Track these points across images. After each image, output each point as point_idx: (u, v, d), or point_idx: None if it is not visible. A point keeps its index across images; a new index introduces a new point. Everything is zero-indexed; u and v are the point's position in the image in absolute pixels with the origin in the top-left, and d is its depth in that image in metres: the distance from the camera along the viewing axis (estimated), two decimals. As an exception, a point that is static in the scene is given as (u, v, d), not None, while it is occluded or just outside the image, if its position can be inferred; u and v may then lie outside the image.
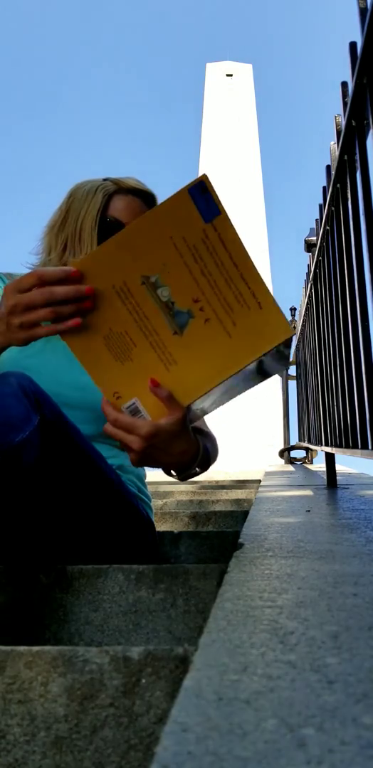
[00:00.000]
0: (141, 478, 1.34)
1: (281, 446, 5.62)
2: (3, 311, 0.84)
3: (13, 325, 0.84)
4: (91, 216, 1.24)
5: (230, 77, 19.15)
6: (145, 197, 1.29)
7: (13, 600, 0.93)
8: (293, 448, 5.33)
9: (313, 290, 2.74)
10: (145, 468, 1.29)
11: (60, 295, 0.79)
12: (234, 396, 0.91)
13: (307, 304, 3.22)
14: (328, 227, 2.01)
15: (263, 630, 0.50)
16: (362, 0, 1.26)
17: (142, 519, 1.25)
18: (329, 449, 2.18)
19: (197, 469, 1.00)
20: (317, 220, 2.35)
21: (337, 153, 1.68)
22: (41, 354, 1.19)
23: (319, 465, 4.73)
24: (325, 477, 2.44)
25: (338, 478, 2.24)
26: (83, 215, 1.25)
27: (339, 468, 3.17)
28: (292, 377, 4.92)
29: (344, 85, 1.58)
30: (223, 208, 0.82)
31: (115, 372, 0.84)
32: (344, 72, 1.50)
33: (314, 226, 2.49)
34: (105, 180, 1.30)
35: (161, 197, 1.03)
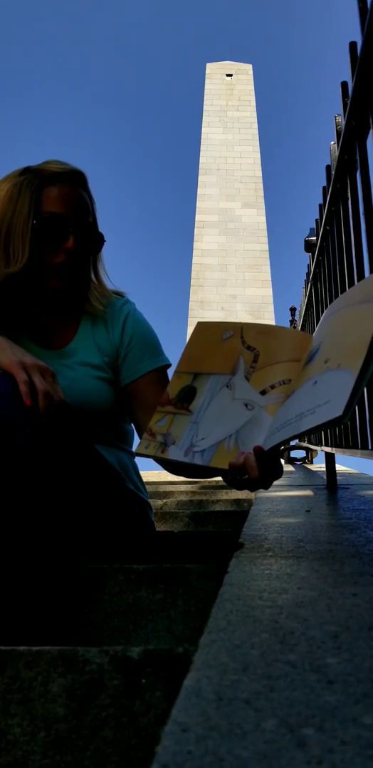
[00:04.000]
0: (139, 477, 1.34)
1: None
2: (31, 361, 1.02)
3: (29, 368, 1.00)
4: (22, 217, 1.17)
5: (230, 77, 19.14)
6: (73, 178, 1.23)
7: (16, 597, 0.93)
8: (293, 448, 5.33)
9: (313, 290, 2.74)
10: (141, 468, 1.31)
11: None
12: None
13: (307, 304, 3.22)
14: (328, 227, 2.01)
15: (263, 630, 0.50)
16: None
17: (142, 516, 1.25)
18: (329, 449, 2.19)
19: None
20: (317, 220, 2.35)
21: (337, 153, 1.68)
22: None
23: (319, 465, 4.73)
24: (325, 477, 2.44)
25: (338, 478, 2.24)
26: (10, 217, 1.18)
27: (339, 468, 3.17)
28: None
29: (344, 85, 1.58)
30: None
31: None
32: (344, 72, 1.50)
33: (314, 226, 2.49)
34: (24, 174, 1.22)
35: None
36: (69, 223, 1.20)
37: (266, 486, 0.92)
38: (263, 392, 0.98)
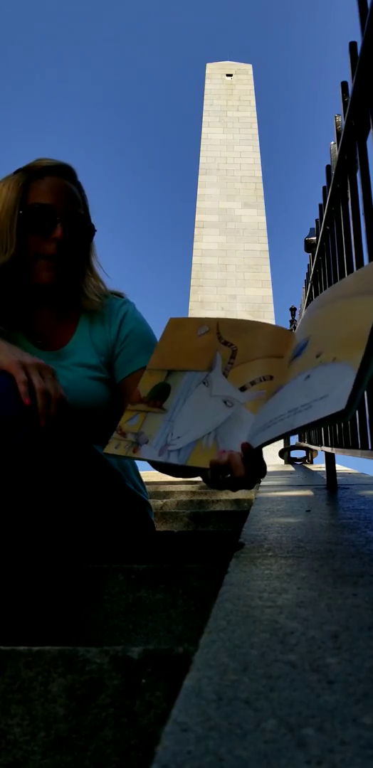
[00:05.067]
0: (139, 477, 1.34)
1: (281, 446, 5.62)
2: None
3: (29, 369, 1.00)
4: (9, 211, 1.20)
5: (230, 77, 19.14)
6: (62, 171, 1.26)
7: (15, 596, 0.93)
8: (293, 448, 5.33)
9: (313, 290, 2.74)
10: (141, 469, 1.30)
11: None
12: None
13: (307, 304, 3.22)
14: (328, 227, 2.01)
15: (263, 630, 0.50)
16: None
17: (142, 516, 1.25)
18: (329, 449, 2.19)
19: None
20: (317, 220, 2.35)
21: (337, 153, 1.68)
22: None
23: (319, 465, 4.73)
24: (325, 477, 2.44)
25: (338, 478, 2.24)
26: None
27: (339, 468, 3.17)
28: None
29: (344, 85, 1.58)
30: None
31: None
32: (344, 72, 1.50)
33: (314, 226, 2.49)
34: (15, 173, 1.26)
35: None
36: (56, 212, 1.21)
37: (250, 486, 0.89)
38: (243, 389, 0.96)
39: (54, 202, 1.22)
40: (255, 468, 0.89)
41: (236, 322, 1.07)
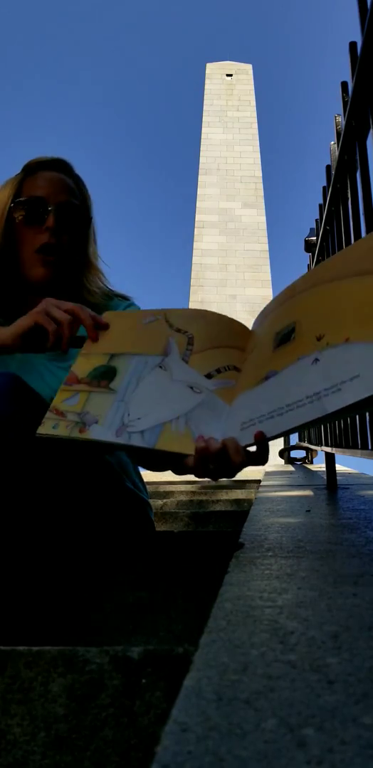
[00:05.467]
0: (139, 477, 1.34)
1: (281, 446, 5.62)
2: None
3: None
4: (2, 206, 1.23)
5: (230, 77, 19.13)
6: (56, 165, 1.28)
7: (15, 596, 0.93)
8: (293, 448, 5.33)
9: (313, 290, 2.73)
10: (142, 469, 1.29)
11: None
12: None
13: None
14: (328, 227, 2.01)
15: (263, 630, 0.50)
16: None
17: (142, 516, 1.25)
18: (329, 449, 2.19)
19: None
20: (317, 220, 2.35)
21: (337, 153, 1.68)
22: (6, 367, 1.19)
23: (319, 465, 4.73)
24: (325, 477, 2.44)
25: (338, 478, 2.24)
26: None
27: (339, 468, 3.17)
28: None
29: (344, 85, 1.58)
30: None
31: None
32: (344, 72, 1.50)
33: (314, 226, 2.49)
34: (17, 174, 1.29)
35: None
36: (48, 203, 1.22)
37: (232, 474, 0.87)
38: (209, 376, 0.94)
39: (46, 194, 1.23)
40: (260, 455, 0.86)
41: (183, 311, 1.05)
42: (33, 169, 1.26)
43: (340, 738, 0.32)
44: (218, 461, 0.86)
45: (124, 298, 1.36)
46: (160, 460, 1.05)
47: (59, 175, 1.26)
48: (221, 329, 0.99)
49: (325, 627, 0.50)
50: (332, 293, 0.84)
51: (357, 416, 1.51)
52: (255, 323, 1.00)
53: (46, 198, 1.23)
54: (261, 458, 0.86)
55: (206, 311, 1.06)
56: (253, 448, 0.86)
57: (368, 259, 0.81)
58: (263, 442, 0.84)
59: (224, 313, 1.04)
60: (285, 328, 0.88)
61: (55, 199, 1.23)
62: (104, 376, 0.97)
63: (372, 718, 0.34)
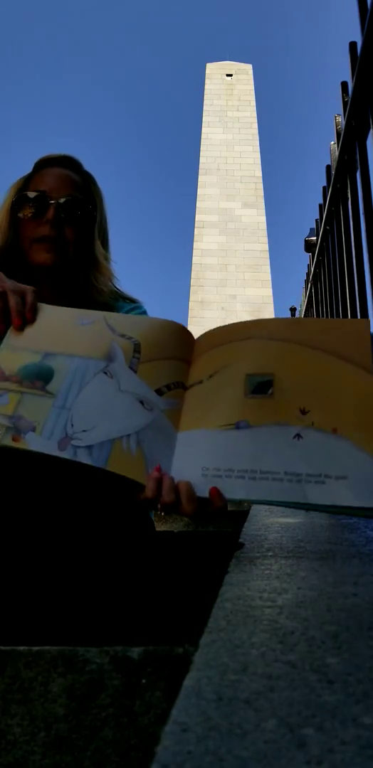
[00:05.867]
0: None
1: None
2: None
3: None
4: (7, 205, 1.24)
5: (230, 77, 19.14)
6: (63, 162, 1.29)
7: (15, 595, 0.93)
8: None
9: (313, 290, 2.74)
10: None
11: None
12: None
13: (307, 304, 3.22)
14: (328, 227, 2.01)
15: (263, 630, 0.50)
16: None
17: (142, 516, 1.24)
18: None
19: None
20: (317, 220, 2.35)
21: (337, 153, 1.69)
22: None
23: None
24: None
25: (338, 478, 2.23)
26: (1, 204, 1.26)
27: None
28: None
29: (344, 85, 1.58)
30: None
31: None
32: (344, 72, 1.50)
33: (314, 226, 2.49)
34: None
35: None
36: (50, 197, 1.23)
37: (195, 519, 0.80)
38: (159, 392, 0.85)
39: (48, 188, 1.24)
40: (217, 513, 0.77)
41: (126, 317, 0.98)
42: (41, 165, 1.28)
43: (340, 738, 0.32)
44: (168, 504, 0.77)
45: (131, 300, 1.35)
46: (106, 486, 0.95)
47: (65, 171, 1.27)
48: (168, 337, 0.90)
49: (325, 627, 0.50)
50: (314, 364, 0.79)
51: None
52: (208, 337, 0.90)
53: (48, 192, 1.23)
54: (219, 515, 0.77)
55: (150, 317, 0.98)
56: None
57: (351, 346, 0.77)
58: (222, 500, 0.76)
59: (174, 320, 0.95)
60: (261, 375, 0.80)
61: (58, 193, 1.24)
62: (39, 376, 0.86)
63: (372, 718, 0.34)
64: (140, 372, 0.86)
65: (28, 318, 0.94)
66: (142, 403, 0.83)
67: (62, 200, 1.23)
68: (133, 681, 0.57)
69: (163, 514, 0.79)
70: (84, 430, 0.81)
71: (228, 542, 1.18)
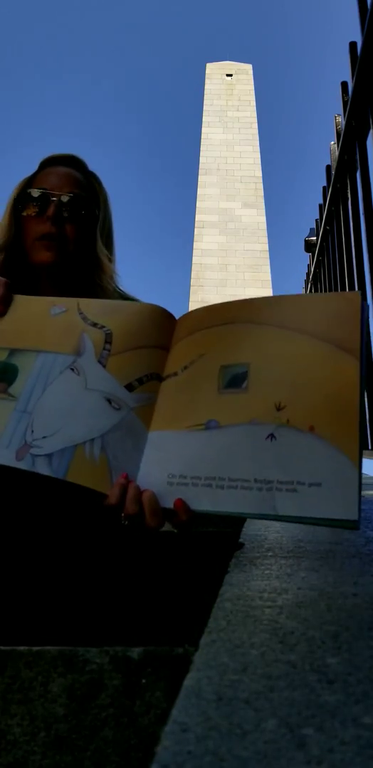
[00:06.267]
0: None
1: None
2: None
3: None
4: (11, 200, 1.25)
5: (230, 77, 19.14)
6: (67, 161, 1.29)
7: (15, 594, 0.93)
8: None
9: (313, 290, 2.74)
10: None
11: None
12: None
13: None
14: (328, 227, 2.01)
15: (263, 630, 0.50)
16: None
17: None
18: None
19: None
20: (317, 220, 2.35)
21: (337, 153, 1.69)
22: None
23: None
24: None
25: (338, 478, 2.23)
26: (6, 204, 1.26)
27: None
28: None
29: (344, 85, 1.58)
30: None
31: None
32: (344, 72, 1.50)
33: (314, 226, 2.49)
34: None
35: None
36: (52, 194, 1.23)
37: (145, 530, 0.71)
38: (130, 387, 0.77)
39: (51, 186, 1.24)
40: (185, 525, 0.70)
41: (101, 302, 0.89)
42: (45, 164, 1.29)
43: (340, 738, 0.32)
44: (130, 515, 0.71)
45: (133, 300, 1.35)
46: (68, 497, 0.89)
47: (68, 170, 1.28)
48: (143, 323, 0.82)
49: (325, 627, 0.50)
50: (293, 349, 0.70)
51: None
52: (188, 319, 0.83)
53: (50, 190, 1.24)
54: (186, 528, 0.71)
55: (126, 303, 0.91)
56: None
57: (336, 326, 0.68)
58: (188, 514, 0.69)
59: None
60: (236, 365, 0.73)
61: (60, 191, 1.24)
62: (2, 377, 0.80)
63: (372, 718, 0.34)
64: (110, 365, 0.79)
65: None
66: (109, 401, 0.76)
67: (64, 198, 1.23)
68: (133, 681, 0.57)
69: (127, 523, 0.71)
70: (44, 437, 0.74)
71: (228, 542, 1.18)
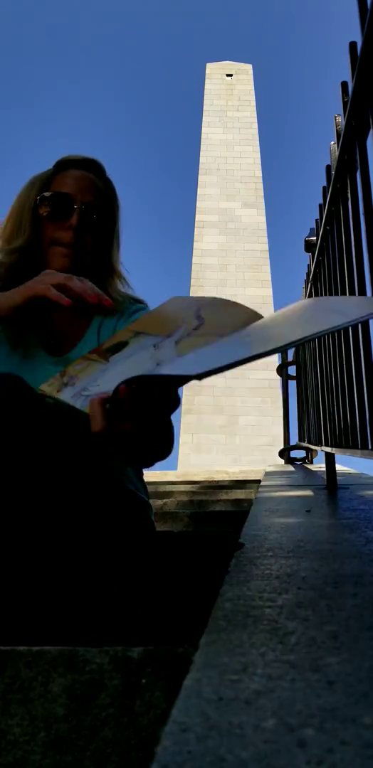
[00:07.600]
0: (139, 478, 1.34)
1: (281, 446, 5.62)
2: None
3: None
4: (30, 201, 1.24)
5: (230, 77, 19.13)
6: (87, 165, 1.28)
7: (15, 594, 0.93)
8: (293, 448, 5.32)
9: (313, 290, 2.74)
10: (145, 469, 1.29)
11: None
12: None
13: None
14: (328, 227, 2.01)
15: (263, 630, 0.50)
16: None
17: (142, 517, 1.25)
18: (329, 449, 2.18)
19: None
20: (317, 220, 2.35)
21: (337, 153, 1.68)
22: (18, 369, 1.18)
23: (319, 465, 4.73)
24: (325, 477, 2.44)
25: (338, 478, 2.24)
26: (23, 201, 1.25)
27: (339, 468, 3.17)
28: (292, 377, 4.91)
29: (344, 85, 1.58)
30: None
31: None
32: (344, 72, 1.50)
33: (314, 226, 2.49)
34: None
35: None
36: (74, 201, 1.21)
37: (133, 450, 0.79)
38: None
39: (73, 191, 1.23)
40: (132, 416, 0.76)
41: (217, 300, 0.97)
42: (64, 165, 1.27)
43: (340, 738, 0.32)
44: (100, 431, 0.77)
45: (138, 301, 1.35)
46: (105, 482, 1.00)
47: (89, 175, 1.26)
48: (227, 317, 0.91)
49: (325, 627, 0.50)
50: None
51: (357, 416, 1.51)
52: (149, 315, 0.97)
53: (73, 195, 1.23)
54: (131, 439, 0.78)
55: (229, 302, 0.98)
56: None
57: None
58: (132, 404, 0.77)
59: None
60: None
61: (82, 198, 1.23)
62: (115, 349, 0.90)
63: (372, 718, 0.34)
64: (183, 344, 0.86)
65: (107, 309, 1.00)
66: (158, 365, 0.83)
67: (87, 207, 1.22)
68: (133, 681, 0.57)
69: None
70: (98, 385, 0.83)
71: (228, 542, 1.18)
